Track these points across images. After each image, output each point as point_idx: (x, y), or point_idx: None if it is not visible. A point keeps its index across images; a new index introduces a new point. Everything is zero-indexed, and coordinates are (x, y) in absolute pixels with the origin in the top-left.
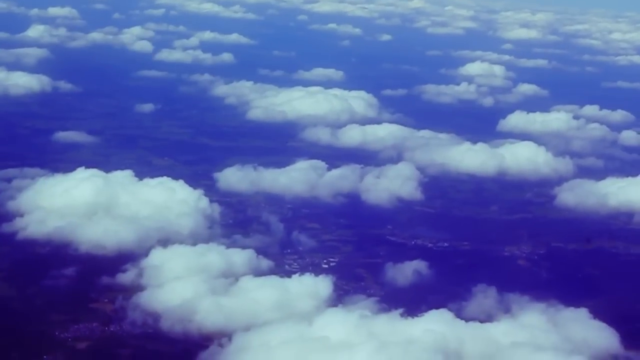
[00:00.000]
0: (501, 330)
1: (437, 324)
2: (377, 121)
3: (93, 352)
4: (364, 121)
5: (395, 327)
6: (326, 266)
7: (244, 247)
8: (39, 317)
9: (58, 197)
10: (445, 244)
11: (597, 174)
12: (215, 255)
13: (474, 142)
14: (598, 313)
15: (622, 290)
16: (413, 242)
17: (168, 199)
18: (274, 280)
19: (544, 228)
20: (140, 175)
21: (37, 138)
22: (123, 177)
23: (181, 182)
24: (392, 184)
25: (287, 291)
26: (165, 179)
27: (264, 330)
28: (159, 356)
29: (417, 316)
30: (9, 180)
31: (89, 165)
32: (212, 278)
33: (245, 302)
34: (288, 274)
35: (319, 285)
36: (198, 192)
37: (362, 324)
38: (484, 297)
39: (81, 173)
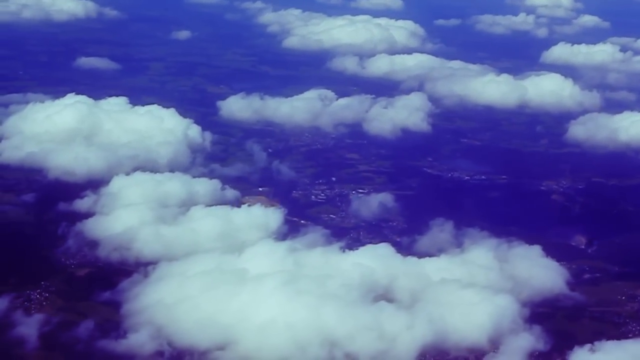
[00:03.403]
0: (437, 267)
1: (370, 258)
2: (416, 51)
3: None
4: (403, 51)
5: (327, 260)
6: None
7: (220, 176)
8: None
9: (39, 123)
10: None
11: (620, 108)
12: (177, 185)
13: (509, 73)
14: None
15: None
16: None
17: (153, 128)
18: (225, 210)
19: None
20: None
21: (63, 63)
22: (113, 104)
23: (172, 110)
24: (398, 115)
25: (234, 222)
26: (155, 107)
27: (188, 260)
28: (80, 282)
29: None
30: (6, 105)
31: (106, 89)
32: (163, 207)
33: (188, 231)
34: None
35: (269, 216)
36: (187, 121)
37: (289, 256)
38: (446, 231)
39: (70, 99)
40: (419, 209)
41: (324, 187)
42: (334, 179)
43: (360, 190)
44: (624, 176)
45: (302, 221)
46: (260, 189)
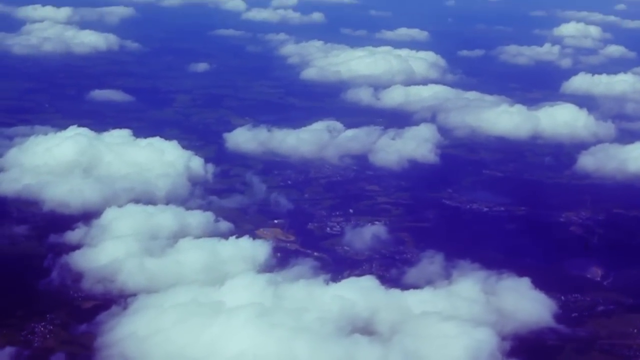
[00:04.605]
0: (420, 299)
1: (352, 291)
2: (435, 82)
3: None
4: (421, 82)
5: (308, 293)
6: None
7: (221, 209)
8: None
9: (39, 155)
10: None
11: (635, 138)
12: (169, 217)
13: (527, 104)
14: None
15: None
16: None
17: (154, 160)
18: (213, 243)
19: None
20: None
21: (79, 96)
22: (116, 137)
23: (174, 142)
24: (406, 146)
25: (221, 254)
26: (157, 139)
27: (168, 293)
28: (59, 314)
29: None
30: (11, 137)
31: (114, 123)
32: (153, 239)
33: (173, 263)
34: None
35: (257, 249)
36: (189, 153)
37: (268, 289)
38: (434, 263)
39: (71, 131)
40: (435, 241)
41: (340, 219)
42: (351, 210)
43: (377, 222)
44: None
45: (316, 253)
46: (275, 221)
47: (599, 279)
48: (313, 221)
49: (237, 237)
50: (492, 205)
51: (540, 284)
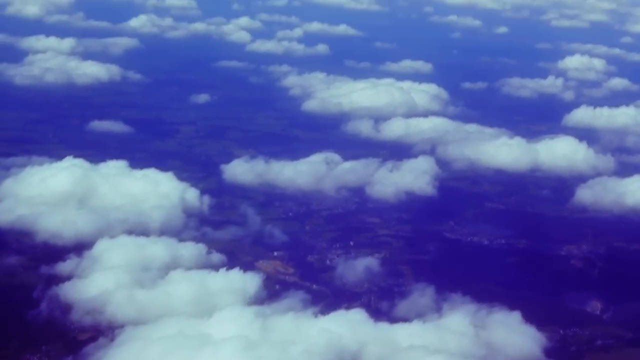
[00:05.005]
0: (409, 332)
1: (340, 324)
2: (437, 114)
3: None
4: (422, 114)
5: (296, 326)
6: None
7: (213, 241)
8: None
9: (34, 186)
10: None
11: (634, 171)
12: (161, 248)
13: (527, 136)
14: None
15: None
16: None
17: (148, 191)
18: (204, 274)
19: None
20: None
21: (78, 127)
22: (111, 168)
23: (170, 174)
24: (403, 179)
25: (211, 287)
26: (152, 170)
27: (155, 324)
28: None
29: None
30: (8, 168)
31: (114, 154)
32: (144, 270)
33: (163, 295)
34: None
35: (248, 281)
36: (184, 185)
37: (256, 322)
38: (426, 296)
39: (67, 162)
40: (434, 274)
41: (341, 251)
42: (351, 243)
43: (377, 255)
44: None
45: (315, 286)
46: (275, 253)
47: (598, 312)
48: (313, 253)
49: (228, 269)
50: (493, 238)
51: (538, 317)
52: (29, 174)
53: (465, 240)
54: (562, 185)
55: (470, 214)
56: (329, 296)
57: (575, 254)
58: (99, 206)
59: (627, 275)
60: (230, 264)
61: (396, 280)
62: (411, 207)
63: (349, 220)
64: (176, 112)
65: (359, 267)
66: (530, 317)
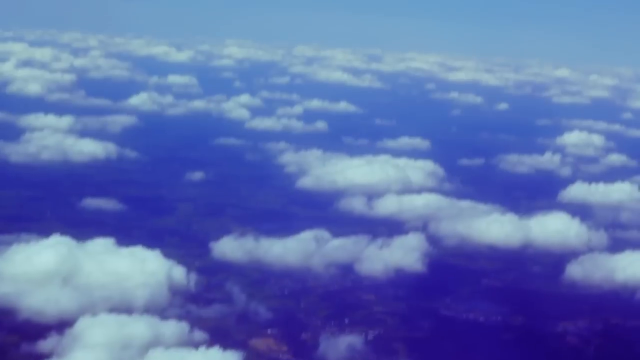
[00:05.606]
0: None
1: None
2: (432, 190)
3: None
4: (416, 191)
5: None
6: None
7: (196, 319)
8: None
9: (19, 264)
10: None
11: (626, 247)
12: (142, 327)
13: (521, 212)
14: None
15: None
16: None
17: (134, 269)
18: (183, 353)
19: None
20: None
21: (72, 205)
22: (98, 246)
23: (156, 252)
24: (392, 256)
25: None
26: (139, 248)
27: None
28: None
29: None
30: None
31: (104, 232)
32: (123, 349)
33: None
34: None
35: (227, 359)
36: (171, 262)
37: None
38: None
39: (53, 240)
40: (428, 351)
41: (335, 329)
42: (346, 320)
43: (371, 332)
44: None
45: None
46: (268, 330)
47: None
48: (307, 331)
49: (208, 348)
50: (488, 314)
51: None
52: (15, 251)
53: (461, 317)
54: (553, 262)
55: (465, 290)
56: None
57: (571, 331)
58: (83, 284)
59: (623, 353)
60: (220, 342)
61: (390, 358)
62: (405, 284)
63: (344, 297)
64: (170, 190)
65: (353, 345)
66: None
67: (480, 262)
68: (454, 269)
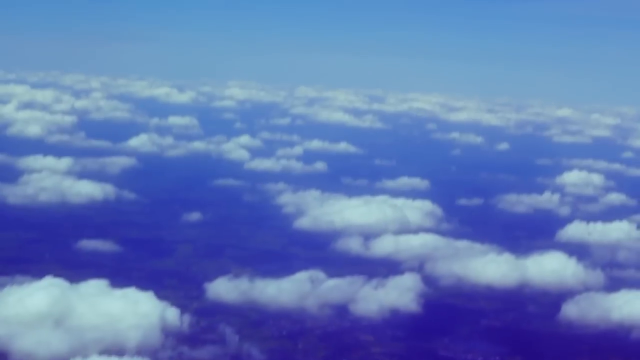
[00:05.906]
0: None
1: None
2: (429, 231)
3: None
4: (413, 231)
5: None
6: None
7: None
8: None
9: (10, 306)
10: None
11: (623, 286)
12: None
13: (519, 252)
14: None
15: None
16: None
17: (127, 311)
18: None
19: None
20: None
21: (68, 246)
22: (91, 287)
23: (150, 293)
24: (387, 296)
25: None
26: (132, 290)
27: None
28: None
29: None
30: None
31: (100, 273)
32: None
33: None
34: None
35: None
36: (163, 304)
37: None
38: None
39: (45, 282)
40: None
41: None
42: None
43: None
44: None
45: None
46: None
47: None
48: None
49: None
50: (487, 355)
51: None
52: (7, 293)
53: (459, 358)
54: (550, 301)
55: (462, 330)
56: None
57: None
58: (76, 326)
59: None
60: None
61: None
62: (402, 324)
63: (341, 337)
64: (169, 231)
65: None
66: None
67: (477, 302)
68: (450, 309)
